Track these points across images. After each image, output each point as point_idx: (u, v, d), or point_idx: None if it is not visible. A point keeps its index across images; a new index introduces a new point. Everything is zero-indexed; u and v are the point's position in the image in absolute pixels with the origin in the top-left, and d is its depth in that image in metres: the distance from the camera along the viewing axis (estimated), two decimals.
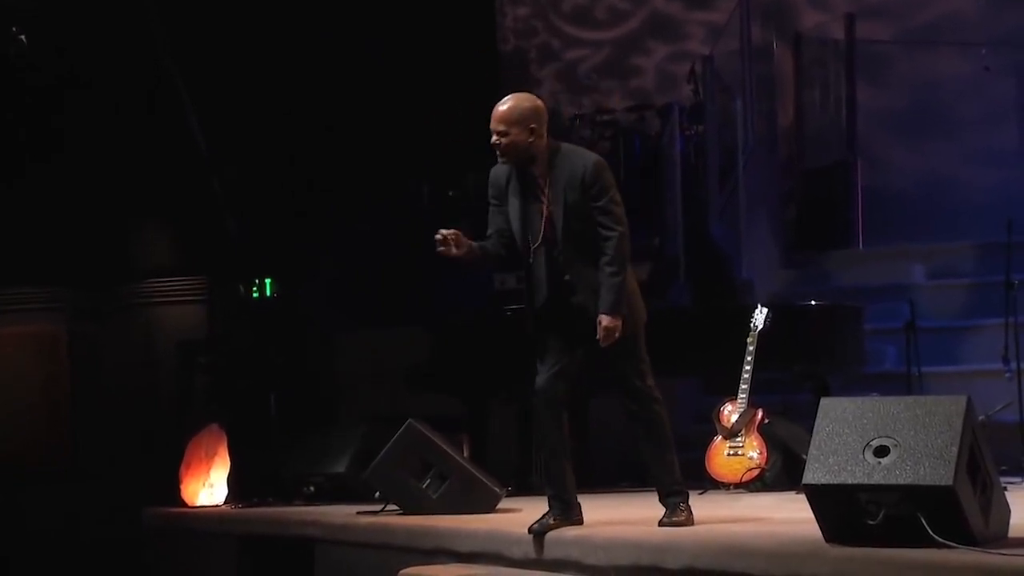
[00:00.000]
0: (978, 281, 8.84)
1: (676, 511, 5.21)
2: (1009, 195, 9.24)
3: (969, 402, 4.27)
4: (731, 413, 7.02)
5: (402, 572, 5.48)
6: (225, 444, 8.21)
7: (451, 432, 7.07)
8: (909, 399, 4.47)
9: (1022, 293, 7.37)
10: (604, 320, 5.05)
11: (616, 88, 11.21)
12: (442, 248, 5.15)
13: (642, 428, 5.26)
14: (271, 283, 8.97)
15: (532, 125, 5.08)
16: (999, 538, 4.27)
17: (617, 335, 5.06)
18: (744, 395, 6.96)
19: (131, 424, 9.51)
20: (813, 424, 4.44)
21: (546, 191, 5.12)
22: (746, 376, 6.95)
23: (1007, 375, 7.19)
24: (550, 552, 5.13)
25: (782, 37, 10.52)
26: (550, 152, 5.14)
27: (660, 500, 5.31)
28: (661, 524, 5.18)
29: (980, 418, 4.63)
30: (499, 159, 5.16)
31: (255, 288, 8.91)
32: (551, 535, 5.18)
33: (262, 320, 8.95)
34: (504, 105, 5.12)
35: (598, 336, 5.06)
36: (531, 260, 5.17)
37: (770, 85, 10.36)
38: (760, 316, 7.02)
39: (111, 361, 9.82)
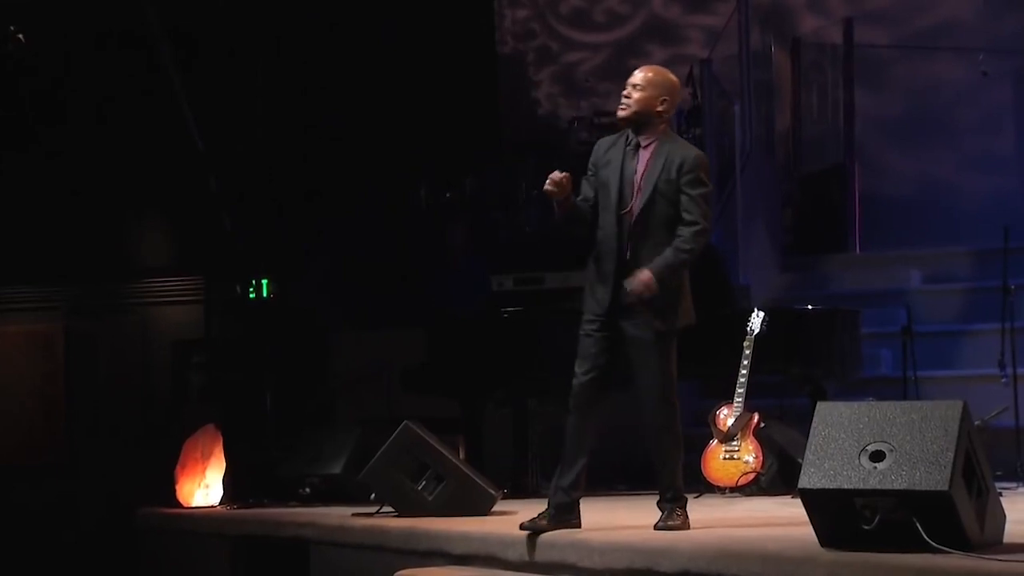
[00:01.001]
0: (975, 286, 8.85)
1: (672, 515, 5.21)
2: (1006, 201, 9.26)
3: (965, 407, 4.27)
4: (727, 417, 7.02)
5: (397, 574, 5.48)
6: (221, 445, 8.20)
7: (447, 434, 7.06)
8: (905, 404, 4.47)
9: (1018, 298, 7.39)
10: (644, 274, 5.04)
11: (614, 91, 11.17)
12: (550, 187, 5.11)
13: (654, 431, 5.24)
14: (267, 283, 8.97)
15: (664, 97, 5.19)
16: (994, 544, 4.27)
17: (645, 297, 5.03)
18: (740, 399, 6.96)
19: (127, 424, 9.51)
20: (809, 428, 4.44)
21: (646, 166, 5.15)
22: (742, 380, 6.95)
23: (1003, 380, 7.20)
24: (545, 554, 5.13)
25: (780, 41, 10.53)
26: (663, 134, 5.21)
27: (658, 503, 5.31)
28: (657, 528, 5.18)
29: (976, 423, 4.62)
30: (619, 111, 5.20)
31: (251, 288, 8.91)
32: (546, 537, 5.18)
33: (258, 320, 8.94)
34: (649, 69, 5.26)
35: (626, 280, 5.05)
36: (617, 226, 5.16)
37: (768, 89, 10.37)
38: (757, 320, 7.02)
39: (107, 360, 9.82)
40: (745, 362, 6.96)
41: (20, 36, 7.98)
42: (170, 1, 9.08)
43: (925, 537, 4.06)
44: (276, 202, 9.67)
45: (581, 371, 5.22)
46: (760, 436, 6.98)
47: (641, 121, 5.19)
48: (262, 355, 8.72)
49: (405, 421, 6.55)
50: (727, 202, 9.56)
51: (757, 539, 4.74)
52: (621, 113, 5.19)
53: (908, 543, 4.08)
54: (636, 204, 5.15)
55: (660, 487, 5.30)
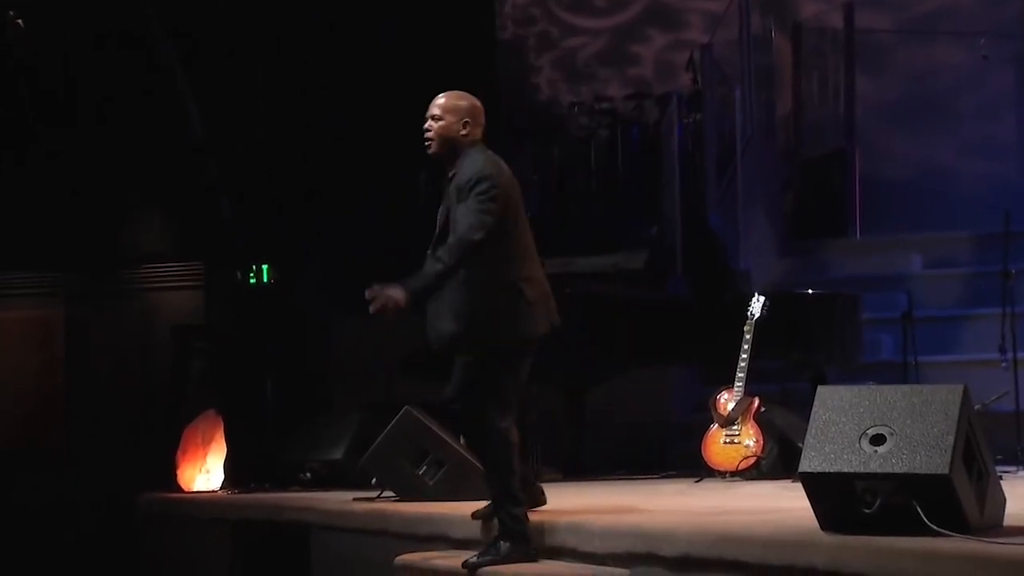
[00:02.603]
0: (975, 271, 8.85)
1: (489, 549, 5.04)
2: (1006, 185, 9.26)
3: (966, 391, 4.27)
4: (728, 401, 7.03)
5: (398, 559, 5.49)
6: (221, 430, 8.21)
7: (448, 419, 7.06)
8: (906, 388, 4.46)
9: (1019, 283, 7.39)
10: (395, 290, 4.71)
11: (615, 76, 11.20)
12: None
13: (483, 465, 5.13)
14: (268, 269, 8.97)
15: (466, 119, 4.97)
16: (994, 527, 4.27)
17: (381, 307, 4.71)
18: (740, 383, 6.96)
19: (127, 410, 9.51)
20: (810, 412, 4.44)
21: (449, 190, 4.97)
22: (743, 364, 6.95)
23: (1003, 364, 7.21)
24: (545, 539, 5.13)
25: (781, 26, 10.51)
26: (465, 155, 4.93)
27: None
28: (464, 564, 5.04)
29: (976, 407, 4.62)
30: (426, 146, 5.00)
31: (252, 274, 8.90)
32: (546, 522, 5.19)
33: (259, 306, 8.94)
34: (444, 95, 5.03)
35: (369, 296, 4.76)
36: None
37: (769, 74, 10.35)
38: (757, 304, 7.02)
39: (107, 347, 9.82)
40: (745, 347, 6.96)
41: (19, 21, 7.97)
42: (170, 1, 9.06)
43: (925, 520, 4.06)
44: (276, 188, 9.66)
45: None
46: (760, 420, 6.99)
47: (448, 151, 4.96)
48: (263, 340, 8.72)
49: (406, 407, 6.55)
50: (728, 187, 9.55)
51: (758, 523, 4.75)
52: (429, 150, 4.98)
53: (908, 526, 4.09)
54: (437, 230, 4.95)
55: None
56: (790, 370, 7.63)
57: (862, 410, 4.32)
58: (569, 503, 5.67)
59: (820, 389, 4.50)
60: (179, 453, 8.19)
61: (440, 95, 5.02)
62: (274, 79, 9.70)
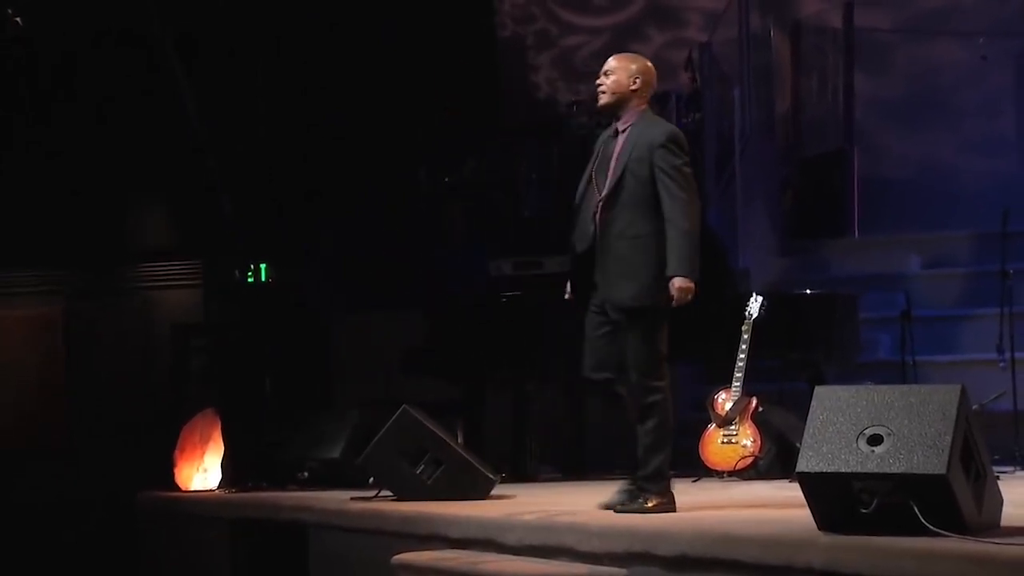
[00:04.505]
0: (974, 271, 8.85)
1: (634, 497, 5.24)
2: (1005, 184, 9.25)
3: (963, 391, 4.27)
4: (725, 401, 7.03)
5: (395, 558, 5.49)
6: (219, 428, 8.20)
7: (446, 418, 7.06)
8: (904, 388, 4.46)
9: (1017, 283, 7.39)
10: (677, 281, 5.07)
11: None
12: None
13: (635, 412, 5.23)
14: (266, 267, 8.96)
15: (636, 77, 5.24)
16: (992, 527, 4.28)
17: (689, 297, 5.06)
18: (738, 383, 6.96)
19: (126, 407, 9.51)
20: (807, 412, 4.44)
21: (621, 148, 5.20)
22: (740, 364, 6.95)
23: (1001, 365, 7.21)
24: (544, 538, 5.13)
25: (780, 25, 10.50)
26: (640, 116, 5.24)
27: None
28: (616, 510, 5.19)
29: (974, 407, 4.62)
30: (598, 98, 5.28)
31: (250, 272, 8.90)
32: (544, 521, 5.19)
33: (257, 304, 8.93)
34: (617, 56, 5.34)
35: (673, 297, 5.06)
36: (593, 211, 5.22)
37: (768, 73, 10.34)
38: (755, 304, 7.01)
39: (107, 344, 9.82)
40: (743, 347, 6.95)
41: (18, 19, 7.97)
42: (170, 1, 9.06)
43: (923, 520, 4.07)
44: (275, 185, 9.66)
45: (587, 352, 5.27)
46: (758, 420, 6.99)
47: (619, 104, 5.25)
48: (262, 339, 8.71)
49: (404, 405, 6.55)
50: (727, 185, 9.55)
51: (755, 523, 4.75)
52: (600, 101, 5.28)
53: (906, 526, 4.09)
54: (607, 186, 5.19)
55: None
56: (788, 370, 7.62)
57: (859, 410, 4.32)
58: (568, 502, 5.67)
59: (818, 389, 4.50)
60: (177, 451, 8.19)
61: (613, 56, 5.34)
62: (274, 79, 9.70)
